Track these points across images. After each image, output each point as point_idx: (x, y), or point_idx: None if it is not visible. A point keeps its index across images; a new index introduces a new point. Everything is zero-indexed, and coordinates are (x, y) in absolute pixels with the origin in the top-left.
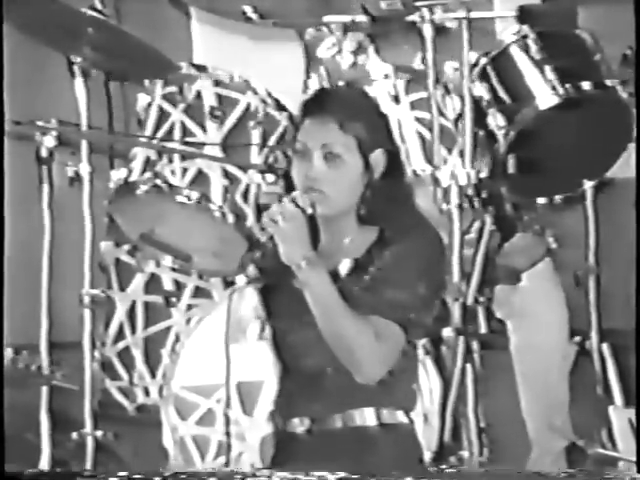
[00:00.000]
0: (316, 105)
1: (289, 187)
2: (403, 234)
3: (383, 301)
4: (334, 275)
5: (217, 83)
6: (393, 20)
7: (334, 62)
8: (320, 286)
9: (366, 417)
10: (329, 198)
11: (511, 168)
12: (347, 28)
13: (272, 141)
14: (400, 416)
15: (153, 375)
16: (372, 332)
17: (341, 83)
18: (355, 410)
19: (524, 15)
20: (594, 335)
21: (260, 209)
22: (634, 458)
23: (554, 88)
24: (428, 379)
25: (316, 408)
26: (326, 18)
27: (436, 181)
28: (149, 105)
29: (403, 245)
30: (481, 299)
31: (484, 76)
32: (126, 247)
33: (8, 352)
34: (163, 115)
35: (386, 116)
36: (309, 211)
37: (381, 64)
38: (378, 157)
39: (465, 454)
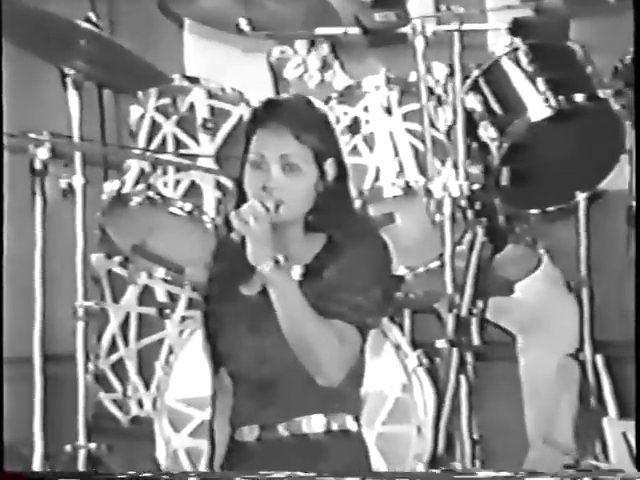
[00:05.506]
0: (268, 115)
1: (242, 198)
2: (353, 240)
3: (343, 305)
4: None
5: (210, 95)
6: (386, 32)
7: (302, 82)
8: (285, 287)
9: (313, 424)
10: (286, 207)
11: (504, 180)
12: (312, 45)
13: None
14: (348, 422)
15: (147, 387)
16: (335, 335)
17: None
18: (302, 417)
19: (516, 27)
20: (587, 347)
21: None
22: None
23: (546, 100)
24: (422, 390)
25: (265, 416)
26: (318, 30)
27: (429, 192)
28: (142, 117)
29: (356, 251)
30: (474, 310)
31: (476, 88)
32: (118, 259)
33: None
34: (155, 127)
35: (332, 125)
36: (273, 214)
37: (347, 79)
38: (330, 166)
39: (458, 466)
